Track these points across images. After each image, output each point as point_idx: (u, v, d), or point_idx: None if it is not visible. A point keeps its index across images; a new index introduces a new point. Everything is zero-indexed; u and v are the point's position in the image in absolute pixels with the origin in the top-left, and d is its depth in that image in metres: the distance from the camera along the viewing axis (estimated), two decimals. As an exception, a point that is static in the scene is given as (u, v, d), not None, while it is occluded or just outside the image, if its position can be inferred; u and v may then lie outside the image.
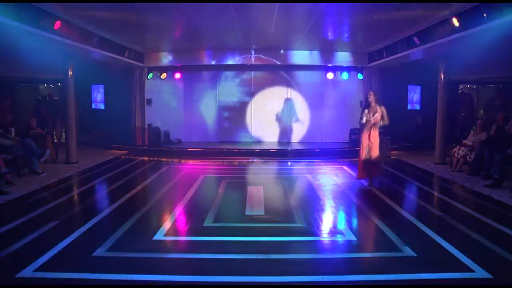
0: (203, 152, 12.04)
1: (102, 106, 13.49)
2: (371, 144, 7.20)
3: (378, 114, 7.10)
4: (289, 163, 10.69)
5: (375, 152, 7.22)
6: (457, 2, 6.74)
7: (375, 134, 7.21)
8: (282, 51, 12.69)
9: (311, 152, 12.15)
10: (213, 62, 13.00)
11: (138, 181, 8.31)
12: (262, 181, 8.02)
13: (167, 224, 5.20)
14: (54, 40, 7.72)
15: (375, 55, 11.81)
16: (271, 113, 13.83)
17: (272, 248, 4.38)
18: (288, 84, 13.73)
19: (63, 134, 12.07)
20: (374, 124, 7.16)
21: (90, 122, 13.47)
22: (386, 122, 7.16)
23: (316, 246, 4.60)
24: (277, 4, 7.09)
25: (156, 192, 7.28)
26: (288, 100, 13.76)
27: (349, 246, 4.51)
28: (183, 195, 6.80)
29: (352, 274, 3.69)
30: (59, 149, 10.46)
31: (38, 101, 13.72)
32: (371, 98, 7.18)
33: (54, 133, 12.87)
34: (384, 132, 11.77)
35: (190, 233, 5.06)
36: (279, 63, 12.87)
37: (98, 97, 13.57)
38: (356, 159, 11.63)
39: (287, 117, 13.81)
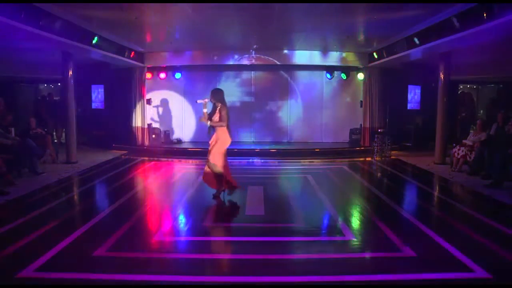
0: (203, 152, 12.00)
1: (102, 106, 13.49)
2: (212, 150, 6.28)
3: (216, 115, 6.23)
4: (289, 163, 10.68)
5: (215, 161, 6.23)
6: (457, 2, 6.74)
7: (216, 138, 6.28)
8: (282, 51, 12.69)
9: (311, 152, 12.15)
10: (213, 62, 12.99)
11: (138, 181, 8.32)
12: (262, 181, 8.01)
13: (167, 224, 5.20)
14: (54, 40, 7.72)
15: (375, 55, 11.81)
16: (271, 113, 13.85)
17: (272, 248, 4.38)
18: (288, 84, 13.73)
19: (63, 134, 12.07)
20: (213, 126, 6.28)
21: (90, 122, 13.47)
22: (223, 124, 6.17)
23: (316, 246, 4.60)
24: (277, 4, 7.09)
25: (156, 192, 7.28)
26: (287, 100, 13.76)
27: (349, 246, 4.51)
28: (183, 195, 6.80)
29: (352, 274, 3.69)
30: (59, 149, 10.45)
31: (38, 101, 13.73)
32: (210, 96, 6.29)
33: (54, 133, 12.88)
34: (384, 132, 11.85)
35: (190, 233, 5.06)
36: (279, 63, 12.86)
37: (98, 97, 13.56)
38: (356, 159, 11.77)
39: (287, 117, 13.81)
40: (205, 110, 6.31)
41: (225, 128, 6.26)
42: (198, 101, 6.41)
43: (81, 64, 11.08)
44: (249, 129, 13.88)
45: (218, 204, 6.26)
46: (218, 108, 6.24)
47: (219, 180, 6.34)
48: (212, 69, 13.54)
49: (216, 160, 6.24)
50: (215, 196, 6.40)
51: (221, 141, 6.25)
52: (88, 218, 5.30)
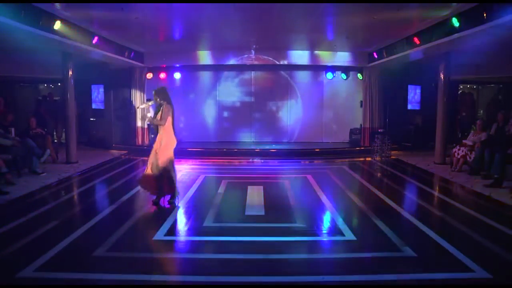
0: (203, 152, 12.04)
1: (102, 106, 13.49)
2: (157, 150, 5.92)
3: (159, 114, 5.93)
4: (288, 163, 10.68)
5: (159, 162, 5.87)
6: (457, 2, 6.74)
7: (160, 139, 5.95)
8: (282, 51, 12.69)
9: (311, 152, 12.15)
10: (213, 62, 12.99)
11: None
12: (262, 181, 8.01)
13: (167, 224, 5.20)
14: (54, 40, 7.72)
15: (375, 55, 11.81)
16: (271, 113, 13.86)
17: (272, 248, 4.38)
18: (288, 84, 13.73)
19: (63, 134, 12.07)
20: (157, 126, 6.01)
21: (90, 122, 13.46)
22: (161, 122, 5.88)
23: (316, 246, 4.60)
24: (277, 4, 7.09)
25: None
26: (287, 100, 13.76)
27: (349, 246, 4.51)
28: (183, 194, 6.79)
29: (352, 274, 3.69)
30: (59, 149, 10.45)
31: (38, 101, 13.71)
32: (154, 97, 6.01)
33: (54, 133, 12.87)
34: (384, 132, 11.85)
35: (190, 233, 5.06)
36: (279, 63, 12.87)
37: (98, 97, 13.57)
38: (356, 159, 11.77)
39: (286, 117, 13.81)
40: (149, 115, 6.09)
41: (170, 128, 5.94)
42: (141, 107, 6.21)
43: (81, 64, 11.08)
44: (249, 129, 13.88)
45: (218, 204, 6.25)
46: (162, 107, 5.91)
47: (160, 185, 6.00)
48: (212, 69, 13.55)
49: (165, 165, 5.90)
50: (155, 203, 6.05)
51: (165, 143, 5.92)
52: (88, 218, 5.30)
